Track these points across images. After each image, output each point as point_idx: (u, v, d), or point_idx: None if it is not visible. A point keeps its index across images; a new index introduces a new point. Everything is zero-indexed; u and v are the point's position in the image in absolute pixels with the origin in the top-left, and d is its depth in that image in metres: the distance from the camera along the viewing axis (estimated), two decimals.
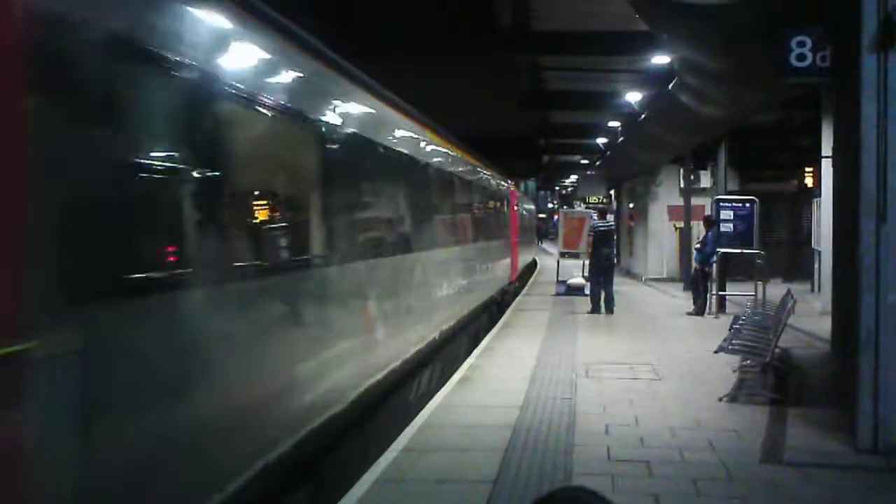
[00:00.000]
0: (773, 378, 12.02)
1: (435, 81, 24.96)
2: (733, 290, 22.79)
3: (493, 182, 25.68)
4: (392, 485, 7.75)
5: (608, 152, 39.98)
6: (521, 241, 34.22)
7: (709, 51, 14.02)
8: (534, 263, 45.37)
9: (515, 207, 32.59)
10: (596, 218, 23.56)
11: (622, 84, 26.23)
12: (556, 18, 19.99)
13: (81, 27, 4.46)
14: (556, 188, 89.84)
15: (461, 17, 19.52)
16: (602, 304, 21.54)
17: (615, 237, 25.93)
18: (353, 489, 7.63)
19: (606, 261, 22.00)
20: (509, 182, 31.89)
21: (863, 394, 8.78)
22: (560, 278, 27.64)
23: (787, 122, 28.54)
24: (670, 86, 20.12)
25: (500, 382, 12.39)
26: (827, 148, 17.57)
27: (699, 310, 21.40)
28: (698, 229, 25.29)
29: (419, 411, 10.66)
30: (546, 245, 70.60)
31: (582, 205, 44.45)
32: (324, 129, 8.49)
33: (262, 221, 6.92)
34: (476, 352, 15.43)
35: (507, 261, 27.65)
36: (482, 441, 9.08)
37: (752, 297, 19.84)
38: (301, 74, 8.17)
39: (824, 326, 15.66)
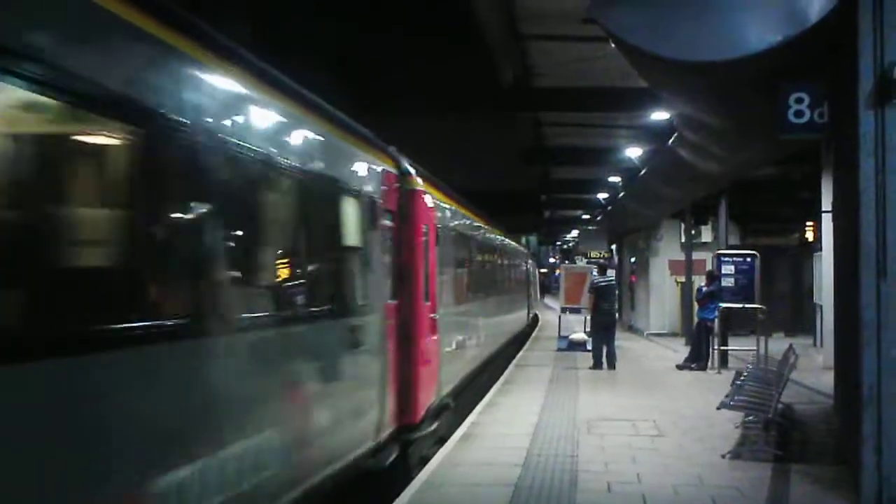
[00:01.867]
0: (775, 434, 11.95)
1: (437, 137, 25.07)
2: (735, 344, 22.73)
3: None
4: None
5: (609, 207, 40.10)
6: (474, 306, 19.30)
7: (707, 107, 14.10)
8: (535, 320, 44.74)
9: (435, 235, 13.66)
10: (596, 273, 23.61)
11: (622, 139, 26.36)
12: (556, 75, 20.12)
13: None
14: (558, 243, 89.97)
15: (463, 74, 19.64)
16: (604, 359, 21.49)
17: (616, 292, 25.90)
18: None
19: (608, 316, 22.03)
20: (393, 167, 11.93)
21: (866, 449, 8.72)
22: (562, 334, 27.60)
23: (788, 177, 28.60)
24: (670, 141, 20.21)
25: (501, 439, 12.34)
26: (827, 202, 17.62)
27: (700, 366, 21.38)
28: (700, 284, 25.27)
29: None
30: (548, 300, 70.53)
31: (584, 259, 44.37)
32: None
33: None
34: (478, 408, 15.36)
35: (376, 369, 10.32)
36: (484, 500, 9.03)
37: (754, 352, 19.79)
38: None
39: (826, 381, 15.63)
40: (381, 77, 19.70)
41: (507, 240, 31.75)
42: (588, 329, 24.48)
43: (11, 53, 4.06)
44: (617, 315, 25.71)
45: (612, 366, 21.42)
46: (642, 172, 26.69)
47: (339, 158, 9.36)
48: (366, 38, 18.03)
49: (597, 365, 21.48)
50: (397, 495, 9.24)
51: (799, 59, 10.31)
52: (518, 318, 33.35)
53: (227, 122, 6.39)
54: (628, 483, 9.78)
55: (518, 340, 30.99)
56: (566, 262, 53.66)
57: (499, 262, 26.85)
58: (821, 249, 21.04)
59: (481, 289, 21.11)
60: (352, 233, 9.33)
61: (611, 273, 25.19)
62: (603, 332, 21.90)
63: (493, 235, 25.84)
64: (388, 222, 10.90)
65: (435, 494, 9.29)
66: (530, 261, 48.84)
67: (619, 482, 9.79)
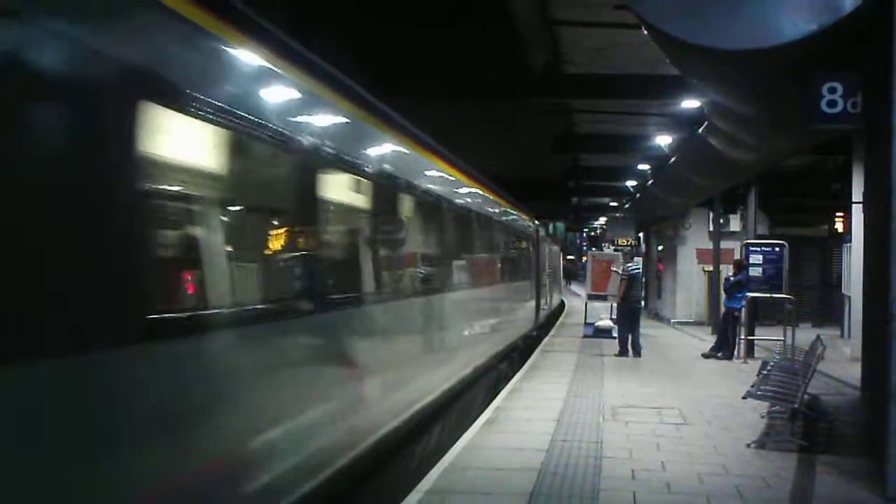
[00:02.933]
0: (801, 424, 11.92)
1: (467, 125, 25.06)
2: (762, 334, 22.65)
3: None
4: None
5: (637, 195, 39.98)
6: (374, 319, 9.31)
7: (739, 96, 14.02)
8: (561, 305, 44.55)
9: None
10: (622, 260, 23.60)
11: (652, 127, 26.27)
12: (587, 62, 20.07)
13: None
14: (585, 230, 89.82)
15: (494, 61, 19.62)
16: (629, 347, 21.48)
17: (643, 280, 25.83)
18: None
19: (634, 303, 22.00)
20: None
21: (892, 442, 8.69)
22: (588, 320, 27.57)
23: (819, 167, 28.48)
24: (700, 129, 20.12)
25: (526, 424, 12.35)
26: (858, 193, 17.52)
27: (726, 355, 21.34)
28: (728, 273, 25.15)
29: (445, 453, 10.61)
30: (574, 286, 70.46)
31: (611, 247, 44.18)
32: None
33: None
34: (502, 393, 15.38)
35: None
36: (508, 484, 9.04)
37: (781, 342, 19.71)
38: None
39: (854, 373, 15.55)
40: (409, 63, 19.67)
41: (499, 204, 20.16)
42: (614, 316, 24.47)
43: None
44: (643, 303, 25.67)
45: (637, 353, 21.41)
46: (672, 160, 26.58)
47: None
48: (394, 24, 18.03)
49: (622, 352, 21.48)
50: (419, 479, 9.27)
51: (833, 48, 10.24)
52: (513, 325, 21.46)
53: None
54: (652, 470, 9.78)
55: (516, 356, 21.53)
56: (593, 248, 53.43)
57: (463, 235, 15.01)
58: (850, 240, 20.92)
59: (400, 281, 10.85)
60: None
61: (637, 260, 25.17)
62: (629, 319, 21.88)
63: (451, 185, 14.39)
64: None
65: (458, 478, 9.31)
66: (552, 245, 41.10)
67: (644, 469, 9.79)
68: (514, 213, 23.39)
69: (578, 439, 11.33)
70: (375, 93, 10.07)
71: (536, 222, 28.56)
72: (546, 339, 26.78)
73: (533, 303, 26.42)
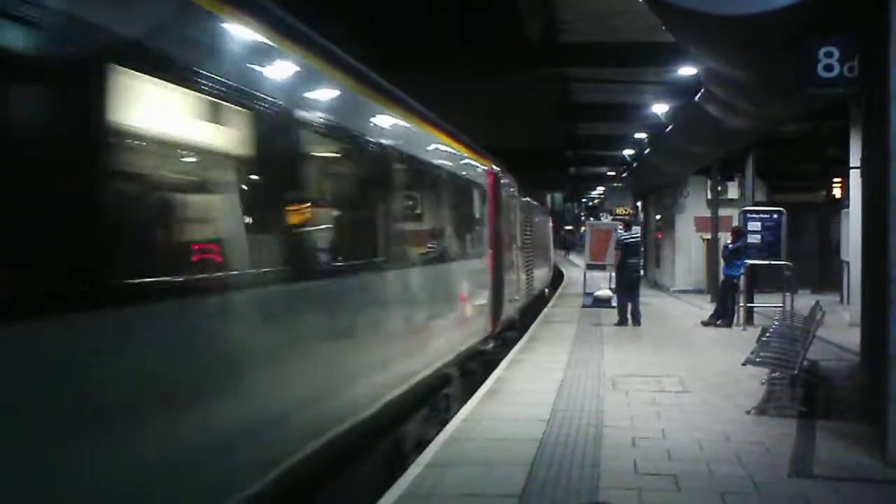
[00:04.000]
0: (801, 391, 11.93)
1: (464, 94, 24.94)
2: (761, 301, 22.65)
3: None
4: (418, 499, 7.73)
5: (635, 164, 39.90)
6: None
7: (735, 62, 13.97)
8: (560, 277, 44.49)
9: None
10: (621, 230, 23.59)
11: (649, 95, 26.18)
12: (583, 30, 19.97)
13: None
14: (583, 200, 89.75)
15: (489, 30, 19.51)
16: (629, 316, 21.49)
17: (642, 249, 25.82)
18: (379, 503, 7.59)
19: (633, 272, 22.00)
20: None
21: (892, 407, 8.70)
22: (587, 290, 27.59)
23: (816, 132, 28.34)
24: (697, 97, 20.05)
25: (526, 395, 12.37)
26: (855, 159, 17.49)
27: (726, 322, 21.35)
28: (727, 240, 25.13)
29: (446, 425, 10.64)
30: (573, 257, 70.49)
31: (609, 216, 44.09)
32: None
33: None
34: (503, 364, 15.39)
35: None
36: (509, 454, 9.06)
37: (780, 309, 19.70)
38: None
39: (853, 338, 15.57)
40: (402, 32, 19.53)
41: (396, 117, 10.30)
42: (613, 286, 24.49)
43: None
44: (642, 272, 25.65)
45: (637, 322, 21.43)
46: (669, 129, 26.51)
47: None
48: None
49: (622, 321, 21.50)
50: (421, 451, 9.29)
51: (828, 12, 10.18)
52: (433, 346, 11.72)
53: None
54: (653, 438, 9.81)
55: (455, 376, 13.53)
56: (591, 219, 53.25)
57: (302, 170, 7.14)
58: (848, 206, 20.89)
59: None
60: None
61: (636, 230, 25.14)
62: (628, 288, 21.88)
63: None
64: None
65: (459, 449, 9.33)
66: (532, 208, 29.32)
67: (644, 437, 9.81)
68: (438, 140, 13.14)
69: (579, 409, 11.34)
70: (374, 66, 9.96)
71: (496, 168, 18.25)
72: (545, 310, 26.78)
73: (488, 294, 16.33)
